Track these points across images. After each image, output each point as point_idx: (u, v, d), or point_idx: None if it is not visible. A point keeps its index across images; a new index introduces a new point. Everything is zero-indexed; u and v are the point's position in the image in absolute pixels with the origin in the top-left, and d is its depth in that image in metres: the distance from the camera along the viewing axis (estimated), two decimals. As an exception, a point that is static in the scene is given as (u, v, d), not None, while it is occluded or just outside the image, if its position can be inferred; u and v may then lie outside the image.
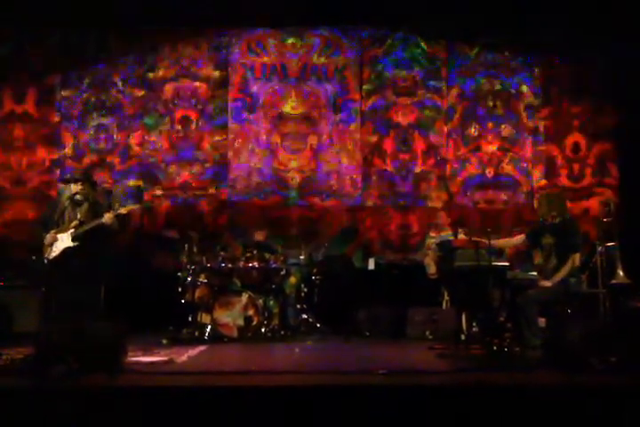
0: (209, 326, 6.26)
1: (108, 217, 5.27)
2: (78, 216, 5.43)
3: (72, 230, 5.36)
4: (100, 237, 5.36)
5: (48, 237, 5.41)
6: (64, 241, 5.37)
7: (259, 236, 7.32)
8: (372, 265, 7.50)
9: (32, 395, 3.67)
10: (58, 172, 7.95)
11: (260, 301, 6.44)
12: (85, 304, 5.20)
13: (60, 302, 5.19)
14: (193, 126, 8.06)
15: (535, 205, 7.62)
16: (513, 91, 8.06)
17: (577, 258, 5.06)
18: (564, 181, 7.98)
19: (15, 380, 3.98)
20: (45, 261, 5.44)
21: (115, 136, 8.02)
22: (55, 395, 3.64)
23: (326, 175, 8.04)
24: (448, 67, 8.10)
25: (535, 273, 5.30)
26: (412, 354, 5.57)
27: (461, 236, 5.66)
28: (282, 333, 6.47)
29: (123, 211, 5.48)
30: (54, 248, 5.39)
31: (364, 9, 7.70)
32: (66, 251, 5.35)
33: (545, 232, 5.22)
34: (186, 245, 6.64)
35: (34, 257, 5.80)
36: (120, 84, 8.05)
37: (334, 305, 7.03)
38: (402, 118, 8.07)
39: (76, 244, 5.33)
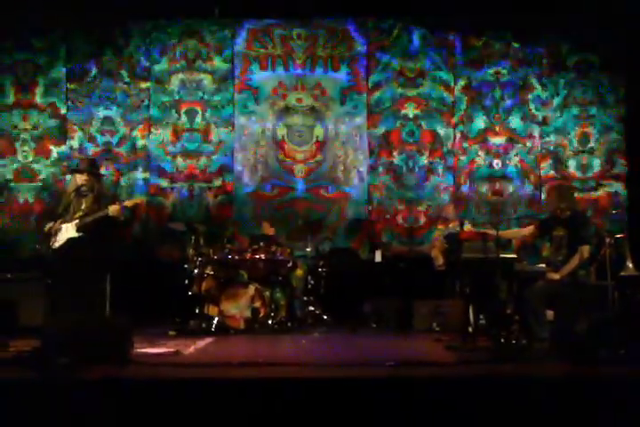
0: (216, 318, 6.26)
1: (113, 209, 5.24)
2: (83, 207, 5.40)
3: (76, 221, 5.34)
4: (105, 228, 5.33)
5: (49, 226, 5.40)
6: (68, 231, 5.34)
7: (265, 228, 7.31)
8: (378, 257, 7.47)
9: (38, 387, 3.68)
10: (64, 164, 7.94)
11: (267, 293, 6.44)
12: (91, 296, 5.19)
13: (66, 294, 5.18)
14: (199, 118, 8.04)
15: (543, 197, 7.63)
16: (520, 82, 8.00)
17: (586, 250, 5.02)
18: (572, 172, 7.93)
19: (22, 372, 4.00)
20: (50, 250, 5.42)
21: (121, 128, 8.01)
22: (61, 387, 3.65)
23: (332, 167, 8.02)
24: (455, 58, 8.04)
25: (543, 265, 5.27)
26: (419, 346, 5.57)
27: (468, 227, 5.63)
28: (288, 325, 6.48)
29: (128, 204, 5.43)
30: (58, 238, 5.36)
31: (371, -1, 7.65)
32: (70, 241, 5.33)
33: (556, 224, 5.18)
34: (192, 238, 6.64)
35: (39, 248, 5.79)
36: (126, 76, 8.03)
37: (341, 297, 7.02)
38: (408, 110, 8.02)
39: (80, 234, 5.31)
